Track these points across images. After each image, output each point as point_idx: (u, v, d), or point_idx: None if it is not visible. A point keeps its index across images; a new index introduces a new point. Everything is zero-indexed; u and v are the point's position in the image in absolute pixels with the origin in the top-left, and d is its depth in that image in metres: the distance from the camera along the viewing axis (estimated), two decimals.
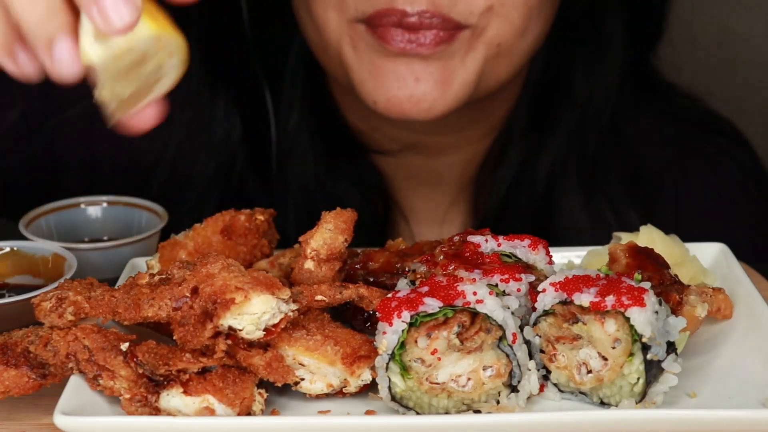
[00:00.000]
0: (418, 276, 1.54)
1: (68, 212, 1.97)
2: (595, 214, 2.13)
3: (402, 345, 1.42)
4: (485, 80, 1.90)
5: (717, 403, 1.45)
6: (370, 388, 1.48)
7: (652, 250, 1.61)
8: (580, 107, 2.10)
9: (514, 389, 1.44)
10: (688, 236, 1.75)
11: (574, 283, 1.44)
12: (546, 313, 1.46)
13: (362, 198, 2.13)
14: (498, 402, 1.44)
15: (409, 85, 1.82)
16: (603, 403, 1.45)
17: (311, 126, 2.11)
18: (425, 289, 1.44)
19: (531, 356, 1.46)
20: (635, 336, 1.40)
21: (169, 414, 1.41)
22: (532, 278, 1.51)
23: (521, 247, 1.56)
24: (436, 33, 1.81)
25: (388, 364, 1.42)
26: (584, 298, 1.42)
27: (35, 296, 1.49)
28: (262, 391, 1.45)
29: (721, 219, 2.24)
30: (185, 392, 1.41)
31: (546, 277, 1.49)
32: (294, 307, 1.43)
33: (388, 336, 1.42)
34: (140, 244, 1.86)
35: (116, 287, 1.52)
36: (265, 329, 1.41)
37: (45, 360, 1.44)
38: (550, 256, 1.58)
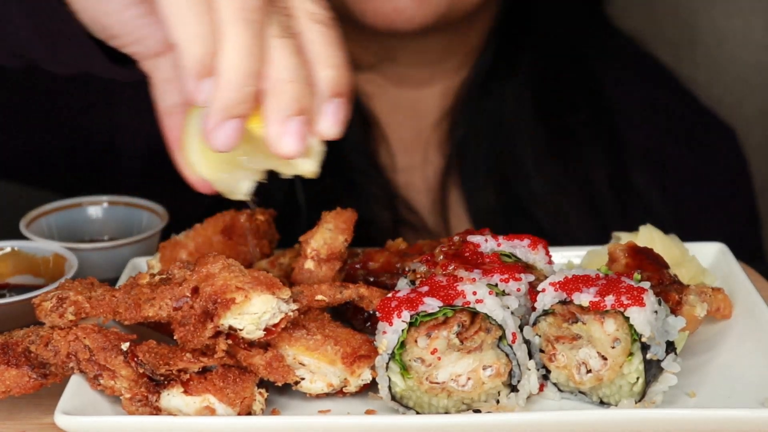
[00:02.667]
0: (418, 276, 1.54)
1: (69, 212, 1.97)
2: (559, 143, 2.28)
3: (402, 345, 1.42)
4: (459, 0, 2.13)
5: (716, 402, 1.45)
6: (370, 387, 1.48)
7: (651, 250, 1.61)
8: (543, 39, 2.30)
9: (513, 389, 1.44)
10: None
11: (574, 282, 1.44)
12: (546, 312, 1.46)
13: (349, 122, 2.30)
14: (498, 402, 1.44)
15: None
16: (603, 403, 1.46)
17: None
18: (425, 288, 1.44)
19: (531, 356, 1.47)
20: (635, 336, 1.41)
21: (169, 413, 1.42)
22: (531, 278, 1.51)
23: (521, 247, 1.57)
24: None
25: (388, 363, 1.43)
26: (584, 298, 1.43)
27: (36, 296, 1.49)
28: (263, 390, 1.46)
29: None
30: (186, 392, 1.41)
31: (546, 277, 1.49)
32: (294, 307, 1.43)
33: (388, 336, 1.42)
34: (140, 244, 1.86)
35: (117, 287, 1.52)
36: (266, 329, 1.42)
37: (46, 360, 1.44)
38: (550, 256, 1.58)
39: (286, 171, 1.35)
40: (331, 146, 2.25)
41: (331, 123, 1.30)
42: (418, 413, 1.43)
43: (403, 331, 1.42)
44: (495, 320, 1.43)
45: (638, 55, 2.44)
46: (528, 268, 1.55)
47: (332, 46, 1.29)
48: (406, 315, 1.42)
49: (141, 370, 1.42)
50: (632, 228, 1.75)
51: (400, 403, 1.44)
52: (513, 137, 2.27)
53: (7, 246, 1.78)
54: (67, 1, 1.37)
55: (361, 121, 2.29)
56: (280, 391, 1.49)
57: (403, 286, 1.55)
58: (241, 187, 1.39)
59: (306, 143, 1.28)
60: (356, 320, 1.62)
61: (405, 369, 1.42)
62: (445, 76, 2.31)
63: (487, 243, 1.56)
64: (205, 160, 1.36)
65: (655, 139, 2.35)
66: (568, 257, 1.78)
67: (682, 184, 2.34)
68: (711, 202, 2.34)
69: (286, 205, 2.21)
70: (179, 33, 1.23)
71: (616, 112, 2.32)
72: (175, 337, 1.44)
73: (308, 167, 1.33)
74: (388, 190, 2.27)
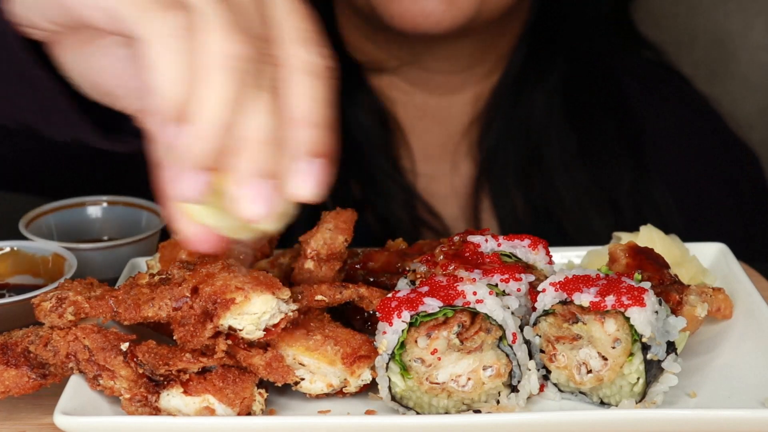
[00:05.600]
0: (418, 276, 1.54)
1: (68, 212, 1.97)
2: (586, 151, 2.28)
3: (402, 345, 1.42)
4: (487, 2, 2.11)
5: (717, 402, 1.45)
6: (370, 388, 1.48)
7: (652, 250, 1.61)
8: (573, 46, 2.31)
9: (514, 389, 1.44)
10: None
11: (574, 283, 1.44)
12: (546, 313, 1.46)
13: (370, 125, 2.32)
14: (498, 402, 1.44)
15: (420, 1, 2.07)
16: (603, 403, 1.46)
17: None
18: (425, 289, 1.44)
19: (531, 356, 1.46)
20: (635, 336, 1.40)
21: (169, 414, 1.42)
22: (532, 278, 1.51)
23: (521, 247, 1.56)
24: None
25: (388, 364, 1.42)
26: (584, 298, 1.42)
27: (35, 296, 1.49)
28: (262, 391, 1.45)
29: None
30: (185, 392, 1.41)
31: (546, 277, 1.49)
32: (294, 307, 1.43)
33: (388, 336, 1.42)
34: (140, 244, 1.86)
35: (116, 287, 1.52)
36: (265, 329, 1.41)
37: (45, 360, 1.44)
38: (550, 256, 1.58)
39: (246, 233, 1.27)
40: (355, 148, 2.27)
41: (304, 184, 1.22)
42: (418, 413, 1.43)
43: (403, 331, 1.42)
44: (495, 320, 1.42)
45: (667, 71, 2.44)
46: (528, 268, 1.55)
47: (317, 102, 1.21)
48: (406, 315, 1.41)
49: (140, 371, 1.42)
50: None
51: (400, 403, 1.44)
52: (543, 143, 2.27)
53: (7, 246, 1.78)
54: (62, 66, 1.33)
55: (382, 125, 2.30)
56: (280, 391, 1.49)
57: (403, 286, 1.55)
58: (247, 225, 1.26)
59: (272, 206, 1.21)
60: (356, 320, 1.62)
61: (405, 369, 1.42)
62: (475, 83, 2.31)
63: (487, 243, 1.56)
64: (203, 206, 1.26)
65: (677, 158, 2.35)
66: (568, 257, 1.78)
67: (701, 202, 2.34)
68: (728, 222, 2.35)
69: (308, 205, 2.22)
70: (157, 75, 1.16)
71: (641, 128, 2.33)
72: (174, 338, 1.44)
73: (270, 227, 1.24)
74: (409, 193, 2.27)
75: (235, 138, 1.18)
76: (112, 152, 2.27)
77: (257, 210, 1.20)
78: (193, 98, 1.16)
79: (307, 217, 2.05)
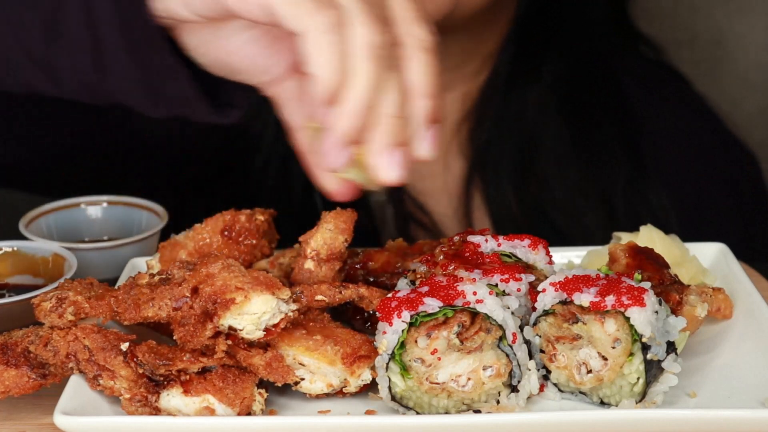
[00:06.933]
0: (418, 276, 1.54)
1: (68, 212, 1.97)
2: (582, 149, 2.28)
3: (402, 345, 1.42)
4: (462, 2, 2.10)
5: (717, 402, 1.45)
6: (370, 388, 1.48)
7: (652, 250, 1.61)
8: (566, 44, 2.29)
9: (514, 389, 1.44)
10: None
11: (574, 283, 1.44)
12: (546, 313, 1.46)
13: None
14: (498, 402, 1.44)
15: None
16: (603, 403, 1.46)
17: None
18: (425, 289, 1.44)
19: (531, 356, 1.46)
20: (635, 336, 1.40)
21: (169, 414, 1.42)
22: (532, 278, 1.51)
23: (521, 247, 1.56)
24: None
25: (388, 364, 1.42)
26: (584, 298, 1.42)
27: (35, 296, 1.49)
28: (262, 391, 1.45)
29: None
30: (185, 392, 1.41)
31: (546, 277, 1.49)
32: (294, 307, 1.43)
33: (388, 336, 1.42)
34: (140, 244, 1.85)
35: (116, 287, 1.52)
36: (265, 329, 1.42)
37: (45, 360, 1.44)
38: (550, 256, 1.58)
39: (378, 185, 1.47)
40: None
41: (427, 148, 1.43)
42: (418, 413, 1.43)
43: (403, 331, 1.42)
44: (495, 320, 1.42)
45: (667, 71, 2.42)
46: (528, 268, 1.55)
47: (431, 75, 1.40)
48: (406, 315, 1.41)
49: (140, 371, 1.42)
50: None
51: (400, 403, 1.44)
52: (536, 142, 2.26)
53: (7, 246, 1.78)
54: (186, 46, 1.48)
55: None
56: (280, 391, 1.49)
57: (403, 286, 1.55)
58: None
59: (404, 169, 1.41)
60: (356, 320, 1.62)
61: (405, 369, 1.42)
62: (462, 81, 2.30)
63: (487, 243, 1.56)
64: None
65: (677, 158, 2.34)
66: (568, 257, 1.78)
67: (701, 203, 2.34)
68: (727, 222, 2.34)
69: (303, 204, 2.22)
70: (317, 65, 1.35)
71: (641, 128, 2.31)
72: (174, 338, 1.44)
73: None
74: (397, 188, 2.27)
75: (374, 114, 1.38)
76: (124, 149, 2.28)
77: (394, 175, 1.41)
78: (343, 84, 1.36)
79: (305, 217, 2.06)
